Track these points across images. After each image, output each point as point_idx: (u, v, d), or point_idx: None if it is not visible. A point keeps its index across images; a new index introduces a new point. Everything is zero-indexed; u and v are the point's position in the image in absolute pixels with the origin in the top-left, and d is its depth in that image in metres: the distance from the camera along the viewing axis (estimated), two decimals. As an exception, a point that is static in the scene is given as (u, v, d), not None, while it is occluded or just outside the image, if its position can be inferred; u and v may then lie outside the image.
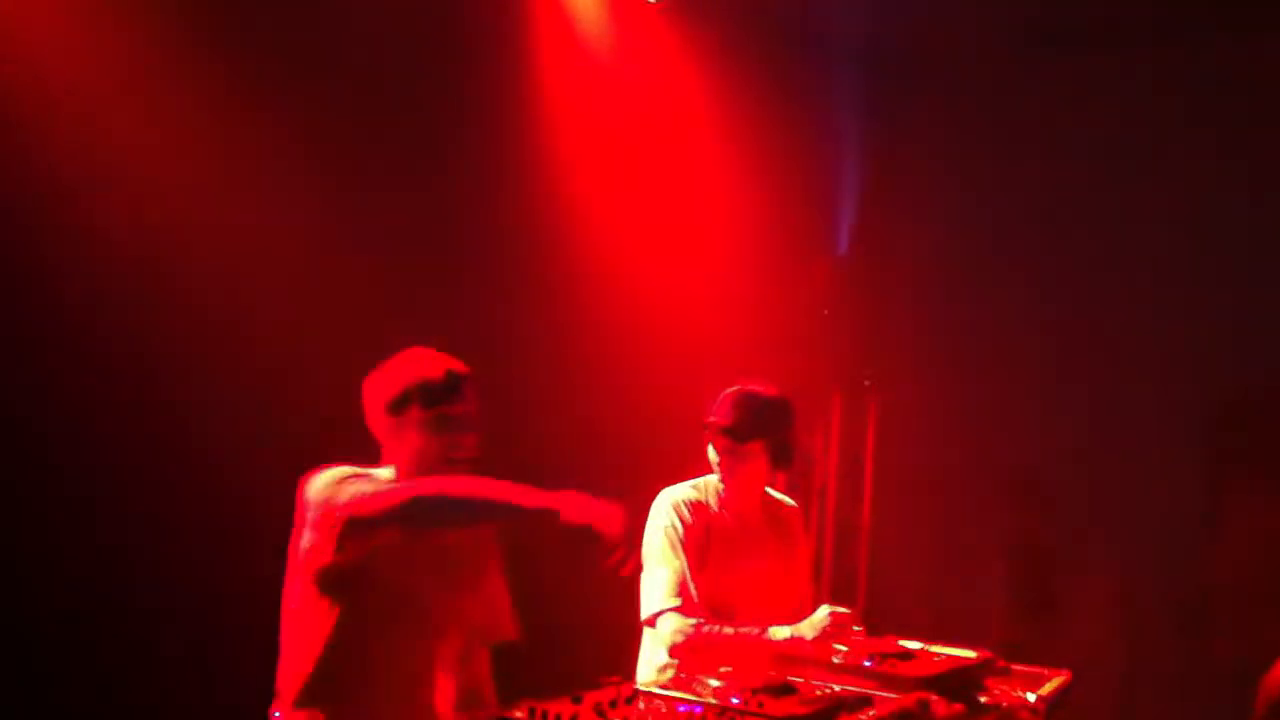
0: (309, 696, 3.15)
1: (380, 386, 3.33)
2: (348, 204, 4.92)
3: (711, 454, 4.02)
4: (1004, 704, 3.39)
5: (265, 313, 4.58)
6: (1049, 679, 3.68)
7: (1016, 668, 3.75)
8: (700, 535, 3.94)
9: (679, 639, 3.79)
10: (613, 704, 2.79)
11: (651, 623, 3.87)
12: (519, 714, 2.69)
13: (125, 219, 4.27)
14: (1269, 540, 6.03)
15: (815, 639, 3.67)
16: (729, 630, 3.76)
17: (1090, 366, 7.15)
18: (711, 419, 3.99)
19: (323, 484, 3.12)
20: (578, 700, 2.81)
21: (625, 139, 6.24)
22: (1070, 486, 7.20)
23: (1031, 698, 3.44)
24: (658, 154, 6.39)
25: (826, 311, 7.10)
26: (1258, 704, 1.87)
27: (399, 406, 3.28)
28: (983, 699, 3.38)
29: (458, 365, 3.34)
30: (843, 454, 7.49)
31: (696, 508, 3.98)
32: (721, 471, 4.02)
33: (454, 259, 5.39)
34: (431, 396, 3.27)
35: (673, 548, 3.90)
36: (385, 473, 3.30)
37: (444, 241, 5.35)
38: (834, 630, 3.72)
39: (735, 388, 4.04)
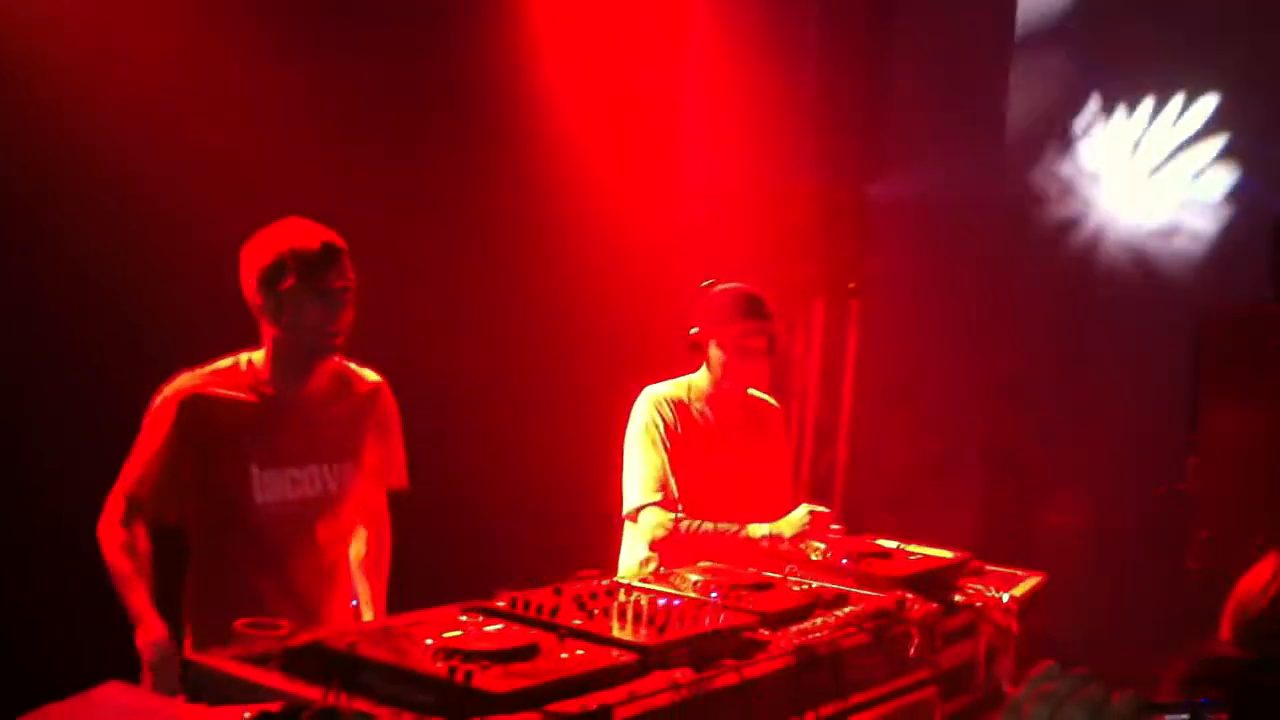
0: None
1: (254, 255, 3.16)
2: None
3: (716, 353, 4.00)
4: (978, 603, 3.44)
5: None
6: (1023, 580, 3.73)
7: (991, 568, 3.80)
8: (682, 433, 3.95)
9: (659, 533, 3.82)
10: (593, 596, 2.82)
11: (633, 517, 3.90)
12: (500, 604, 2.71)
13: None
14: (1245, 451, 6.09)
15: (793, 537, 3.71)
16: (709, 526, 3.79)
17: (1072, 277, 7.17)
18: (731, 327, 3.97)
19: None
20: (558, 592, 2.84)
21: (614, 43, 6.14)
22: (1049, 394, 7.26)
23: (1005, 597, 3.49)
24: (646, 57, 6.30)
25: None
26: (1225, 617, 1.89)
27: (273, 277, 3.12)
28: (958, 598, 3.42)
29: (335, 238, 3.18)
30: (824, 357, 7.51)
31: (679, 406, 4.00)
32: (726, 369, 4.00)
33: (445, 168, 5.31)
34: (307, 268, 3.11)
35: (654, 444, 3.91)
36: (259, 354, 3.22)
37: (437, 151, 5.27)
38: (812, 529, 3.76)
39: (732, 291, 4.01)
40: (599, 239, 5.83)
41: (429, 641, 2.37)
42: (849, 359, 7.59)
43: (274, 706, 2.04)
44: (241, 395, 3.15)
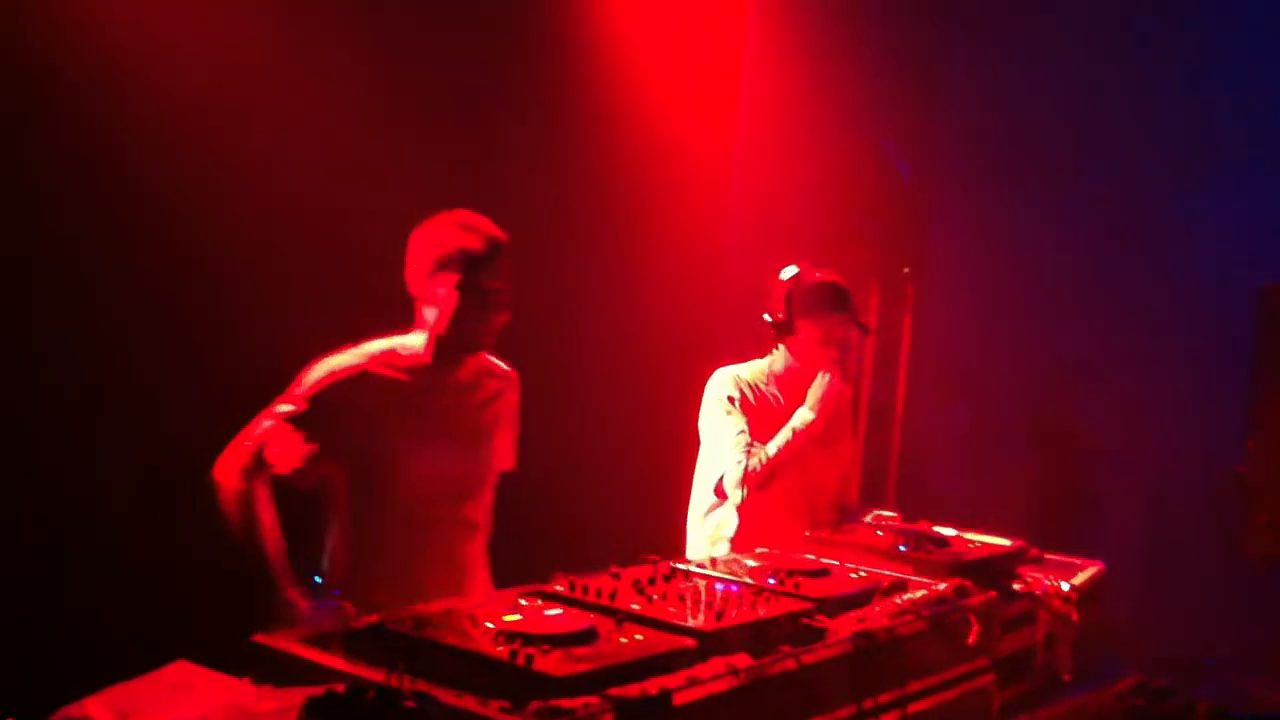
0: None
1: (421, 245, 3.30)
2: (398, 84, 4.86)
3: (806, 338, 4.05)
4: (1037, 592, 3.42)
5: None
6: (1082, 569, 3.71)
7: (1050, 557, 3.79)
8: (754, 410, 3.99)
9: (740, 492, 3.86)
10: (650, 580, 2.83)
11: (721, 490, 3.95)
12: (558, 587, 2.73)
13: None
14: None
15: (818, 409, 3.80)
16: (771, 449, 3.87)
17: (1129, 258, 7.08)
18: (830, 318, 4.02)
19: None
20: (616, 576, 2.85)
21: (677, 33, 6.14)
22: (1106, 377, 7.18)
23: (1065, 586, 3.47)
24: (707, 48, 6.29)
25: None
26: None
27: (438, 268, 3.26)
28: (1016, 587, 3.41)
29: (500, 237, 3.30)
30: (879, 341, 7.48)
31: (751, 386, 4.06)
32: (813, 355, 4.04)
33: (510, 139, 5.32)
34: (470, 267, 3.24)
35: (731, 414, 4.00)
36: (415, 339, 3.32)
37: (499, 122, 5.28)
38: (832, 393, 3.82)
39: (828, 280, 4.05)
40: (659, 227, 5.84)
41: (490, 625, 2.39)
42: (904, 343, 7.56)
43: (338, 687, 2.06)
44: (398, 376, 3.29)
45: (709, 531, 4.02)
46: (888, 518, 3.86)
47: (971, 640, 3.08)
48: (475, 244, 3.25)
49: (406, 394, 3.28)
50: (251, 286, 4.38)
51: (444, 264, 3.25)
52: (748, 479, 3.85)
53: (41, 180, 3.93)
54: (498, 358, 3.55)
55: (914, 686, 2.86)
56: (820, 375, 3.91)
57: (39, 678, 2.44)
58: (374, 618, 2.42)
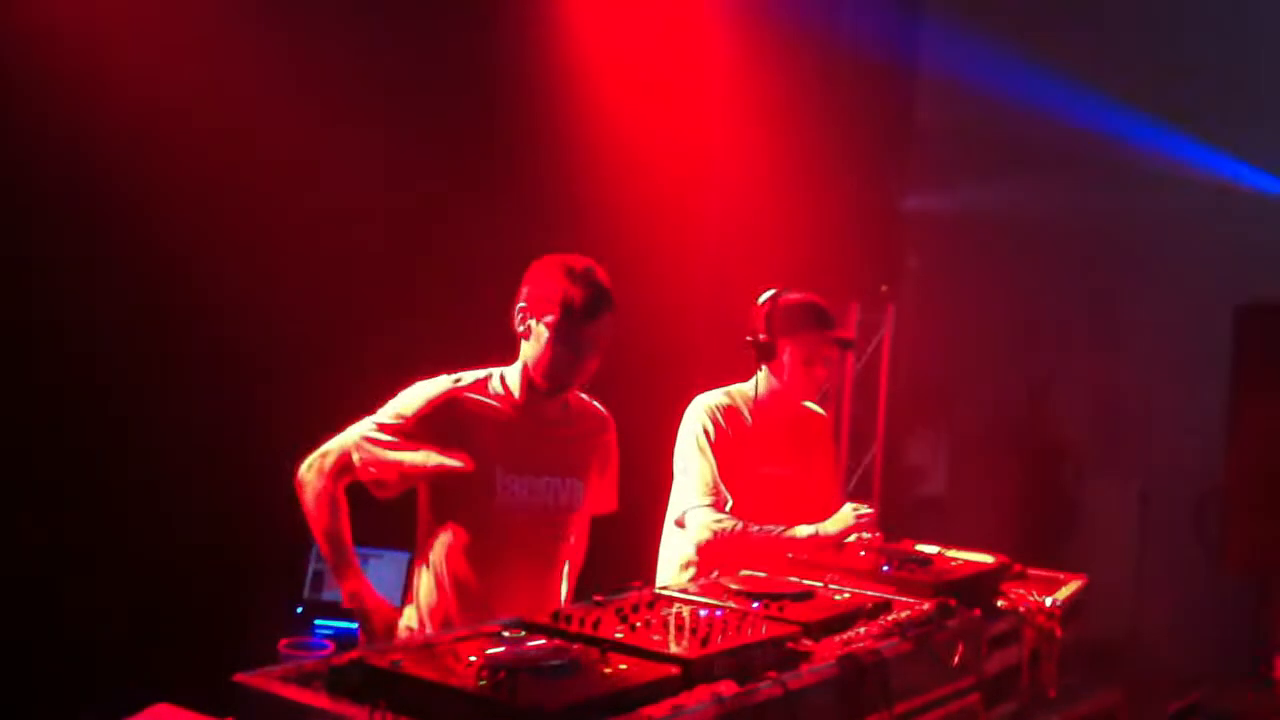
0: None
1: (534, 280, 3.38)
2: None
3: (788, 359, 4.02)
4: (1021, 609, 3.41)
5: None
6: (1065, 584, 3.71)
7: (1033, 572, 3.79)
8: (733, 440, 3.96)
9: (706, 535, 3.83)
10: (634, 608, 2.82)
11: (681, 522, 3.91)
12: (541, 618, 2.71)
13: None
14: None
15: (837, 536, 3.71)
16: (754, 528, 3.80)
17: (1107, 267, 7.12)
18: (814, 338, 4.00)
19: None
20: (599, 604, 2.84)
21: (654, 50, 6.17)
22: (1085, 390, 7.21)
23: (1049, 602, 3.46)
24: (684, 67, 6.32)
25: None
26: None
27: (537, 309, 3.34)
28: (1000, 604, 3.40)
29: (607, 285, 3.38)
30: (858, 359, 7.50)
31: (729, 413, 4.02)
32: (794, 376, 4.03)
33: (488, 172, 5.34)
34: (569, 314, 3.32)
35: (703, 451, 3.94)
36: (511, 373, 3.40)
37: (480, 158, 5.30)
38: (855, 528, 3.77)
39: (809, 301, 4.04)
40: (632, 252, 5.83)
41: (472, 658, 2.37)
42: (884, 361, 7.58)
43: (321, 727, 2.04)
44: (493, 404, 3.40)
45: (678, 557, 3.98)
46: (865, 514, 3.83)
47: (957, 660, 3.08)
48: (580, 295, 3.32)
49: (496, 421, 3.38)
50: (241, 290, 4.39)
51: (544, 302, 3.33)
52: (717, 541, 3.84)
53: (28, 187, 3.94)
54: (594, 398, 3.65)
55: (900, 708, 2.85)
56: (851, 508, 3.86)
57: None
58: (354, 654, 2.39)
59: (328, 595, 5.14)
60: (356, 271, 4.51)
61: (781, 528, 3.81)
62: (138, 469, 4.13)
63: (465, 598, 3.33)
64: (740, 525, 3.83)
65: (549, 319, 3.33)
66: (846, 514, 3.82)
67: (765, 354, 4.04)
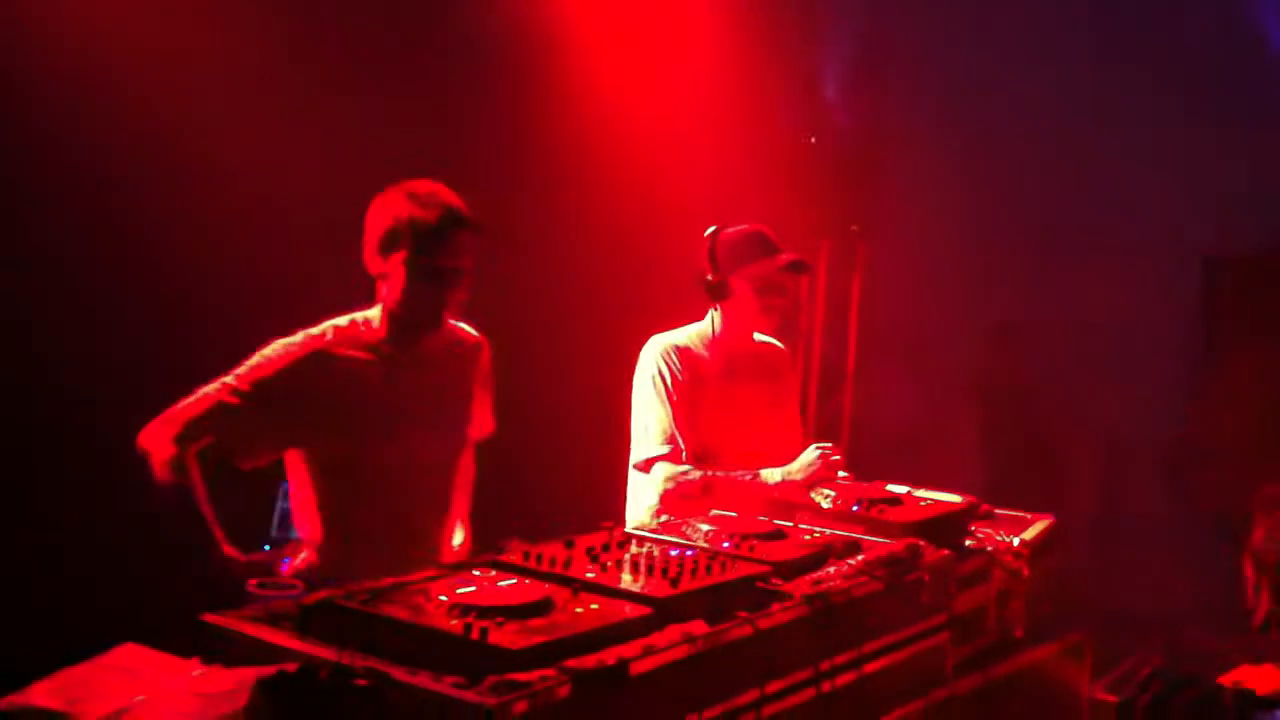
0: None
1: (375, 216, 3.15)
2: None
3: (744, 292, 3.95)
4: (989, 548, 3.43)
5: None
6: (1033, 524, 3.73)
7: (1001, 512, 3.80)
8: (689, 381, 3.93)
9: (669, 485, 3.81)
10: (605, 547, 2.81)
11: (644, 467, 3.89)
12: (512, 558, 2.70)
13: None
14: (1256, 393, 6.08)
15: (805, 479, 3.70)
16: (718, 474, 3.79)
17: (1079, 214, 7.13)
18: (770, 272, 3.92)
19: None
20: (570, 544, 2.83)
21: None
22: (1057, 335, 7.23)
23: (1016, 542, 3.48)
24: (646, 13, 6.26)
25: (813, 139, 6.99)
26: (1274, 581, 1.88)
27: (386, 245, 3.12)
28: (968, 544, 3.42)
29: (460, 208, 3.14)
30: (829, 299, 7.49)
31: (686, 354, 3.97)
32: (754, 307, 3.96)
33: (447, 110, 5.28)
34: (420, 242, 3.09)
35: (659, 396, 3.89)
36: (375, 313, 3.24)
37: (439, 89, 5.24)
38: (823, 469, 3.76)
39: (757, 232, 3.98)
40: (600, 196, 5.81)
41: (443, 598, 2.36)
42: (854, 301, 7.57)
43: (290, 667, 2.03)
44: (362, 354, 3.16)
45: (645, 503, 3.97)
46: (826, 448, 3.83)
47: (926, 599, 3.09)
48: (428, 217, 3.09)
49: (368, 371, 3.17)
50: (224, 280, 4.36)
51: (395, 239, 3.10)
52: (680, 490, 3.81)
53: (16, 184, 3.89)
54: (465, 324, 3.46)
55: (870, 647, 2.87)
56: (815, 449, 3.82)
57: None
58: (324, 594, 2.38)
59: (295, 534, 5.11)
60: (325, 238, 4.46)
61: (746, 473, 3.79)
62: (103, 407, 4.08)
63: (355, 554, 3.10)
64: (700, 475, 3.80)
65: (400, 252, 3.11)
66: (811, 455, 3.80)
67: (718, 293, 3.98)
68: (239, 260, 4.40)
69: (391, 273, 3.13)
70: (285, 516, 5.09)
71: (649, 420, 3.89)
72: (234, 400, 3.08)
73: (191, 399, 3.10)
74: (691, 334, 4.05)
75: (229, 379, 3.11)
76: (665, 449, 3.84)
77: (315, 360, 3.12)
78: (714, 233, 3.99)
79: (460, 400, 3.39)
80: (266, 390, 3.09)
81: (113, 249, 4.20)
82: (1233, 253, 6.43)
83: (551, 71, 5.79)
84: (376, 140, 4.84)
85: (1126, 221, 6.91)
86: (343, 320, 3.22)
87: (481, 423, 3.54)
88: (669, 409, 3.87)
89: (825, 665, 2.70)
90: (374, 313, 3.24)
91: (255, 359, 3.13)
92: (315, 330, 3.18)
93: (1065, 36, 6.99)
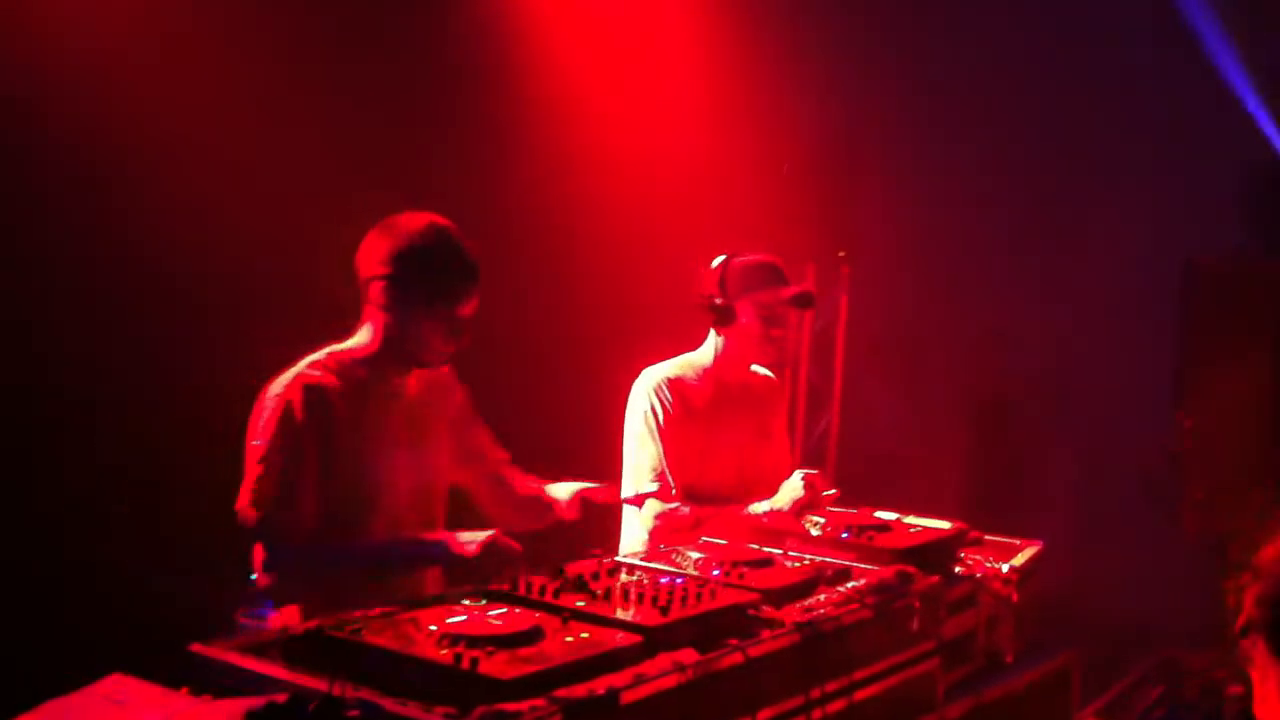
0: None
1: (383, 249, 3.08)
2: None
3: (746, 319, 3.93)
4: (978, 574, 3.44)
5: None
6: (1021, 549, 3.74)
7: (989, 538, 3.80)
8: (680, 415, 3.91)
9: (659, 522, 3.80)
10: (594, 576, 2.81)
11: (635, 502, 3.89)
12: (502, 585, 2.70)
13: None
14: (1236, 411, 6.10)
15: (792, 508, 3.70)
16: (709, 509, 3.78)
17: (1058, 236, 7.16)
18: (774, 298, 3.91)
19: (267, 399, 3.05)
20: (560, 572, 2.83)
21: (606, 14, 6.12)
22: (1038, 356, 7.26)
23: (1005, 568, 3.49)
24: (636, 27, 6.27)
25: (786, 167, 7.01)
26: (1257, 588, 1.87)
27: (396, 282, 3.06)
28: (957, 570, 3.42)
29: (473, 259, 3.10)
30: (815, 324, 7.50)
31: (677, 386, 3.95)
32: (754, 336, 3.95)
33: (438, 136, 5.29)
34: (444, 292, 3.06)
35: (649, 433, 3.88)
36: (358, 340, 3.20)
37: (426, 117, 5.25)
38: (809, 494, 3.75)
39: (767, 262, 3.98)
40: (586, 220, 5.81)
41: (433, 628, 2.36)
42: (841, 324, 7.59)
43: (279, 697, 2.02)
44: (351, 385, 3.10)
45: (638, 535, 3.96)
46: (813, 474, 3.83)
47: (916, 626, 3.09)
48: (455, 269, 3.06)
49: (357, 402, 3.11)
50: (224, 279, 4.36)
51: (413, 280, 3.05)
52: (670, 524, 3.77)
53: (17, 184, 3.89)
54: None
55: (860, 674, 2.87)
56: (799, 475, 3.82)
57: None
58: (313, 623, 2.37)
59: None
60: (320, 232, 4.45)
61: (734, 508, 3.79)
62: (92, 437, 4.08)
63: (348, 584, 2.94)
64: (689, 511, 3.79)
65: (409, 295, 3.06)
66: (796, 484, 3.80)
67: (723, 318, 3.97)
68: (238, 259, 4.39)
69: (393, 309, 3.10)
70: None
71: (640, 457, 3.89)
72: (280, 485, 3.00)
73: (264, 512, 3.00)
74: (684, 364, 4.03)
75: (256, 445, 3.03)
76: (654, 486, 3.84)
77: (311, 395, 3.05)
78: (726, 259, 3.99)
79: (440, 427, 3.35)
80: (293, 448, 3.02)
81: (113, 248, 4.19)
82: (1210, 259, 6.44)
83: (538, 96, 5.80)
84: (375, 145, 4.86)
85: (1109, 236, 6.93)
86: (321, 354, 3.16)
87: (492, 450, 3.51)
88: (659, 446, 3.86)
89: (816, 692, 2.70)
90: (355, 340, 3.20)
91: (263, 417, 3.06)
92: (296, 369, 3.11)
93: (1044, 46, 7.03)
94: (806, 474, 3.83)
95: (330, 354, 3.16)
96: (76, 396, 4.10)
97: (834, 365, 7.62)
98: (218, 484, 3.08)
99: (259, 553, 2.97)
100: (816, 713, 2.70)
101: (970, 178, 7.28)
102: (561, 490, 3.42)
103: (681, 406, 3.92)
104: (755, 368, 4.18)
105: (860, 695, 2.85)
